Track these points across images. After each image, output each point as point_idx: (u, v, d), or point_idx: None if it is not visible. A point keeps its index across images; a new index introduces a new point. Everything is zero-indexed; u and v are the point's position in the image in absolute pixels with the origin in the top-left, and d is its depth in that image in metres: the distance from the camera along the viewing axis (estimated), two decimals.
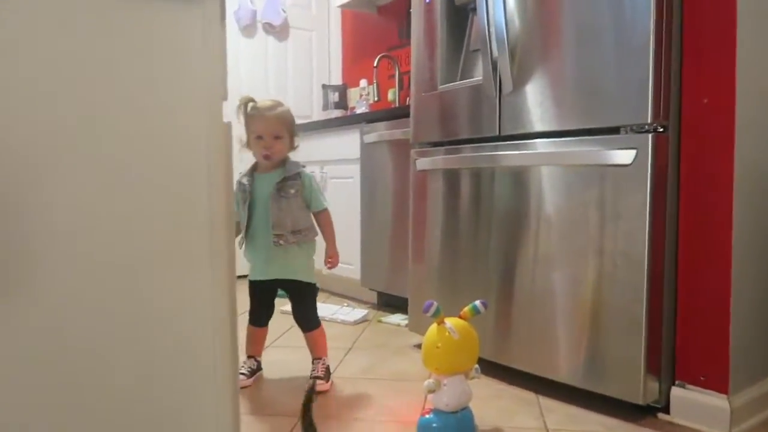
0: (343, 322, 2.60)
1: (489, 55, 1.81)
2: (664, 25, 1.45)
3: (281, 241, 1.79)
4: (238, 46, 3.72)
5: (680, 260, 1.51)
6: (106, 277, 0.77)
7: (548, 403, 1.65)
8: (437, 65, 2.08)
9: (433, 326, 1.45)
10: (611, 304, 1.53)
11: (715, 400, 1.43)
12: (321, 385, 1.77)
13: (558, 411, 1.59)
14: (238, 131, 1.83)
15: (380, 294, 2.91)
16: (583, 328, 1.60)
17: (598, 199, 1.56)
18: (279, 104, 1.83)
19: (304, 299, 1.88)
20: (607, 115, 1.54)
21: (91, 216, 0.76)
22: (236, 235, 1.87)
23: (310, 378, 1.79)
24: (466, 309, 1.48)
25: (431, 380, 1.42)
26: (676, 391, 1.51)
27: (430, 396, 1.45)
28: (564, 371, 1.65)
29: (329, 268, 1.91)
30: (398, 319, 2.62)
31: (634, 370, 1.48)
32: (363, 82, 3.77)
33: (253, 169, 1.85)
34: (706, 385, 1.46)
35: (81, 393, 0.76)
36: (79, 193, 0.75)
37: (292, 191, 1.81)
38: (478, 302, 1.47)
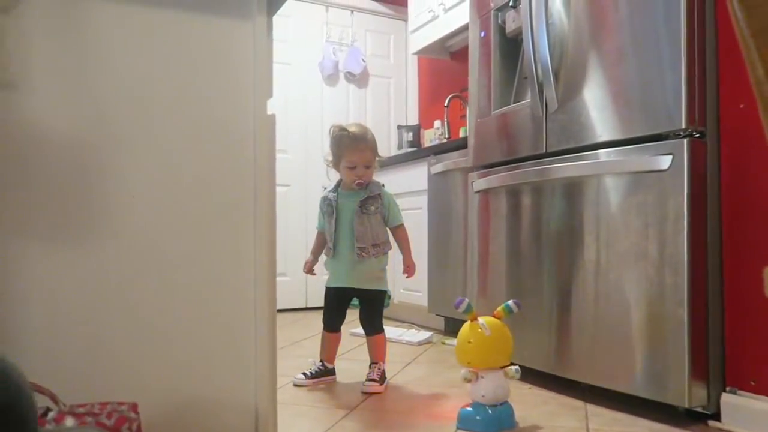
0: (408, 343, 2.69)
1: (535, 79, 1.93)
2: (696, 34, 1.51)
3: (363, 254, 1.96)
4: (321, 94, 4.06)
5: (725, 264, 1.51)
6: (171, 234, 0.97)
7: (595, 409, 1.65)
8: (492, 92, 2.22)
9: (467, 323, 1.54)
10: (655, 309, 1.55)
11: (766, 406, 1.39)
12: (375, 387, 1.87)
13: (604, 416, 1.59)
14: (326, 150, 2.07)
15: (447, 320, 2.98)
16: (629, 333, 1.61)
17: (639, 205, 1.60)
18: (366, 130, 2.02)
19: (373, 306, 2.04)
20: (645, 124, 1.60)
21: (160, 184, 0.97)
22: (322, 246, 2.08)
23: (366, 380, 1.90)
24: (500, 308, 1.55)
25: (467, 370, 1.50)
26: (726, 398, 1.47)
27: (468, 389, 1.52)
28: (611, 377, 1.65)
29: (407, 276, 2.07)
30: None
31: (679, 374, 1.48)
32: (437, 123, 3.96)
33: (338, 186, 2.06)
34: (757, 390, 1.42)
35: (145, 316, 0.95)
36: (151, 167, 0.97)
37: (373, 208, 2.00)
38: (510, 302, 1.55)
